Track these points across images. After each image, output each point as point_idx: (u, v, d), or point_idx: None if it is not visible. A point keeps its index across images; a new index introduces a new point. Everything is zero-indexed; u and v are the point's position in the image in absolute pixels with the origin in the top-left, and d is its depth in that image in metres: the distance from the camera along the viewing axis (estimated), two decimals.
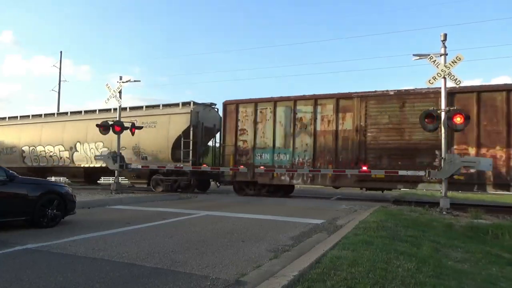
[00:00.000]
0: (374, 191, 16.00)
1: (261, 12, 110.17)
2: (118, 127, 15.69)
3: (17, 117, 22.52)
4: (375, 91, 14.36)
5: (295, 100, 15.62)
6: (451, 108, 10.94)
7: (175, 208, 10.90)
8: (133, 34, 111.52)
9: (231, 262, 4.73)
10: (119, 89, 16.09)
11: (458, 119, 10.65)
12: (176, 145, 17.20)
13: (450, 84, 11.05)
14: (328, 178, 14.69)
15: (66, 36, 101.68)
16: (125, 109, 18.22)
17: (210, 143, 19.54)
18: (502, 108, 12.62)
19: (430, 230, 7.70)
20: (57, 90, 36.78)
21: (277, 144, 15.79)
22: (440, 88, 11.39)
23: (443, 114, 10.89)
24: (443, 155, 10.97)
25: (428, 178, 11.83)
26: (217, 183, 19.24)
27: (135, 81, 18.06)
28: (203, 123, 17.70)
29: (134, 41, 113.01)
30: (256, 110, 16.24)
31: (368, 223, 7.43)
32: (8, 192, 6.90)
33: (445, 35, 11.07)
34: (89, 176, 21.64)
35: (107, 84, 16.36)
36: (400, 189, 15.79)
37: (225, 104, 16.94)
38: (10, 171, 7.26)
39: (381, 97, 14.21)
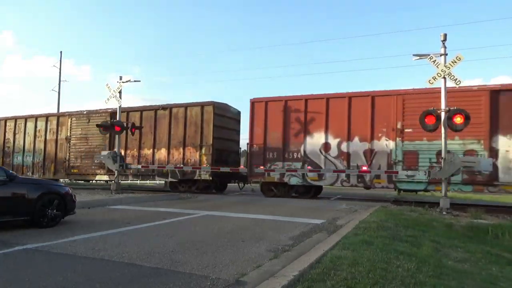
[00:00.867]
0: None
1: (262, 12, 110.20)
2: (118, 127, 15.70)
3: None
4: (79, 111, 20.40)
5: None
6: (451, 108, 10.93)
7: (175, 208, 10.90)
8: (133, 34, 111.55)
9: (231, 262, 4.73)
10: (119, 89, 16.06)
11: (458, 119, 10.64)
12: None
13: (450, 84, 11.04)
14: None
15: (67, 36, 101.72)
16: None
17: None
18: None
19: (430, 230, 7.70)
20: (57, 90, 36.78)
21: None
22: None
23: (443, 114, 10.88)
24: (443, 155, 10.96)
25: (429, 178, 11.86)
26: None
27: (135, 81, 18.00)
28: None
29: (134, 41, 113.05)
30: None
31: (368, 223, 7.43)
32: (8, 192, 6.90)
33: (445, 35, 11.05)
34: None
35: (107, 84, 16.36)
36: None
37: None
38: (10, 171, 7.27)
39: (77, 115, 20.26)
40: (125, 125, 16.19)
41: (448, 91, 11.13)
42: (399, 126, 13.67)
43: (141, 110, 18.67)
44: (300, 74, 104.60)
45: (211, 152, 16.64)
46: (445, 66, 10.88)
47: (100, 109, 19.73)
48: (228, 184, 19.70)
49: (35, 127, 21.14)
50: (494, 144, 12.48)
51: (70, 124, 20.21)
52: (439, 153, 11.92)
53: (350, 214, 9.93)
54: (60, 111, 31.60)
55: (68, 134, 20.16)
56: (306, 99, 15.19)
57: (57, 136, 20.49)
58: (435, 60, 11.02)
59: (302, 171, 14.84)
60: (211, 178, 16.69)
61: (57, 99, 36.32)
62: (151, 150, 18.09)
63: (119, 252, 5.20)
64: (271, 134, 15.57)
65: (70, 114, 20.51)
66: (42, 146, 20.80)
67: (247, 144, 16.25)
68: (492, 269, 5.28)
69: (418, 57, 11.35)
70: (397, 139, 13.64)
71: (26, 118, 21.55)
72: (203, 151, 16.82)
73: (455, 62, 10.82)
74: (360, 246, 5.28)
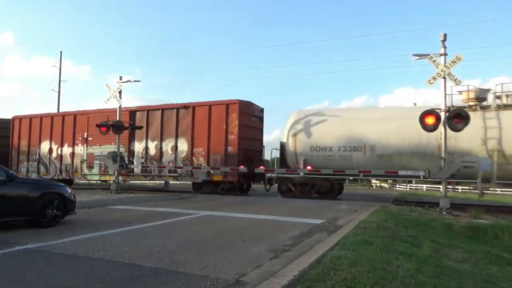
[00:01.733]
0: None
1: (261, 12, 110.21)
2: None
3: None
4: None
5: None
6: (452, 108, 10.93)
7: (175, 208, 10.90)
8: (133, 34, 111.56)
9: (231, 262, 4.72)
10: (119, 89, 16.08)
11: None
12: None
13: (450, 84, 11.06)
14: None
15: (66, 36, 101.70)
16: None
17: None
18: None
19: (430, 230, 7.70)
20: (57, 90, 36.78)
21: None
22: None
23: (442, 114, 10.88)
24: (443, 155, 10.96)
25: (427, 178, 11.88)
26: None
27: (135, 81, 18.02)
28: None
29: (134, 41, 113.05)
30: None
31: (368, 223, 7.43)
32: (8, 192, 6.90)
33: (445, 35, 11.06)
34: None
35: (107, 84, 16.40)
36: None
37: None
38: (10, 171, 7.26)
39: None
40: (124, 125, 16.22)
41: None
42: (85, 135, 19.64)
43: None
44: (299, 74, 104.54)
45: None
46: (445, 66, 10.88)
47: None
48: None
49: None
50: (132, 147, 18.39)
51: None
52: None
53: (350, 214, 9.92)
54: (60, 111, 31.65)
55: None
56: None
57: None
58: (435, 60, 11.03)
59: None
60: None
61: (57, 99, 36.38)
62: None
63: (119, 252, 5.20)
64: None
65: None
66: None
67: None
68: (492, 269, 5.28)
69: (418, 57, 11.36)
70: (85, 144, 19.65)
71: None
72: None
73: (455, 62, 10.84)
74: (360, 246, 5.27)
